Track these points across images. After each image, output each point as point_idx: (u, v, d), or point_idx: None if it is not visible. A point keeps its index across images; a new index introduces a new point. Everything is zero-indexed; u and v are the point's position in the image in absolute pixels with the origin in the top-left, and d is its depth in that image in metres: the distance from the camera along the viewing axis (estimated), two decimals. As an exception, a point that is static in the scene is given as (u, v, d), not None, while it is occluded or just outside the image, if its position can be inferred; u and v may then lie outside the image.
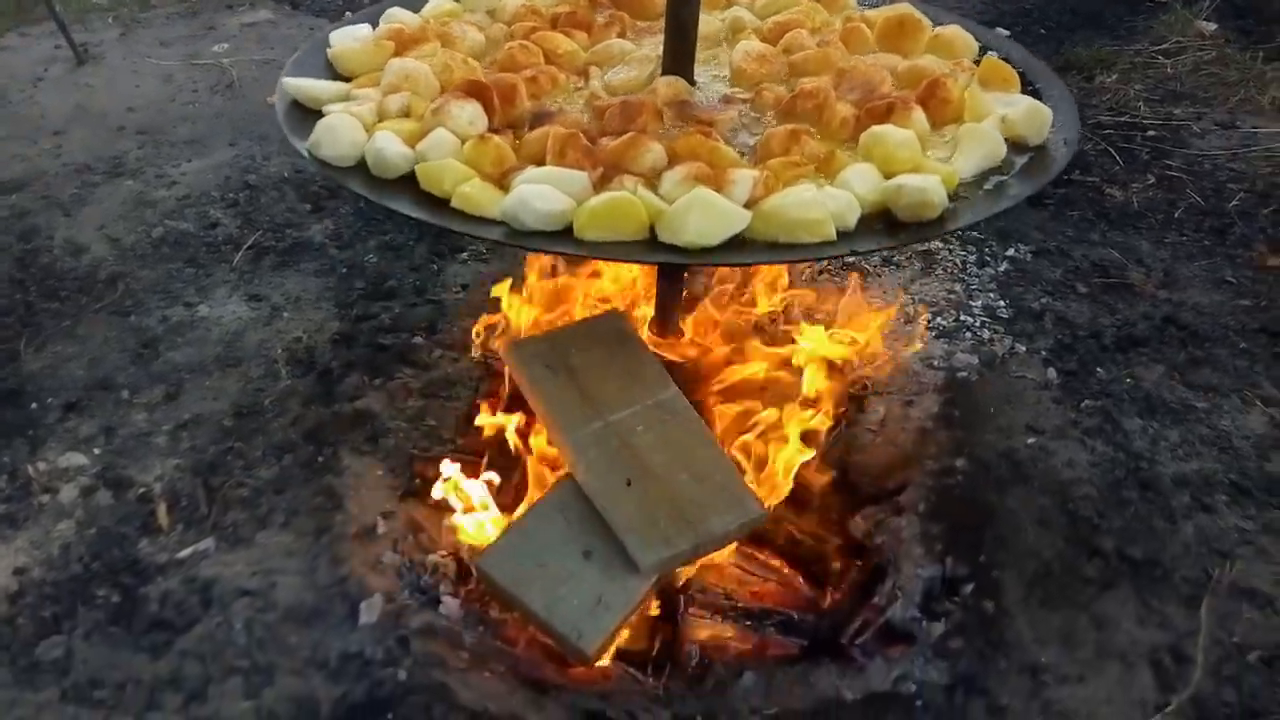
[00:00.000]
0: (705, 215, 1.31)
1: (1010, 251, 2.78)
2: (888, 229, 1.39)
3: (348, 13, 4.29)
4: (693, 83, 1.78)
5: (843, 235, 1.37)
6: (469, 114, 1.51)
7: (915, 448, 2.12)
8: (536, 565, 1.78)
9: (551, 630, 1.71)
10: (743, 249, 1.33)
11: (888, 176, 1.45)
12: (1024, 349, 2.37)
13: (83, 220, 2.94)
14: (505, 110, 1.63)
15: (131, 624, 1.82)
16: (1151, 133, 3.38)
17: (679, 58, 1.75)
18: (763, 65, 1.80)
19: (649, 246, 1.32)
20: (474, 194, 1.38)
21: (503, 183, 1.44)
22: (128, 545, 1.98)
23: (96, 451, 2.20)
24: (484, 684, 1.74)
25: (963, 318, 2.50)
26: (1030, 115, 1.58)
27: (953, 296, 2.59)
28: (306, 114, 1.62)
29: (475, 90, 1.58)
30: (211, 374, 2.39)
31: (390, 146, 1.45)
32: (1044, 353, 2.35)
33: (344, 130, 1.48)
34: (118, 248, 2.85)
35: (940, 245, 2.80)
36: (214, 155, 3.25)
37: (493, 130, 1.57)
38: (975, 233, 2.84)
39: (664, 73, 1.76)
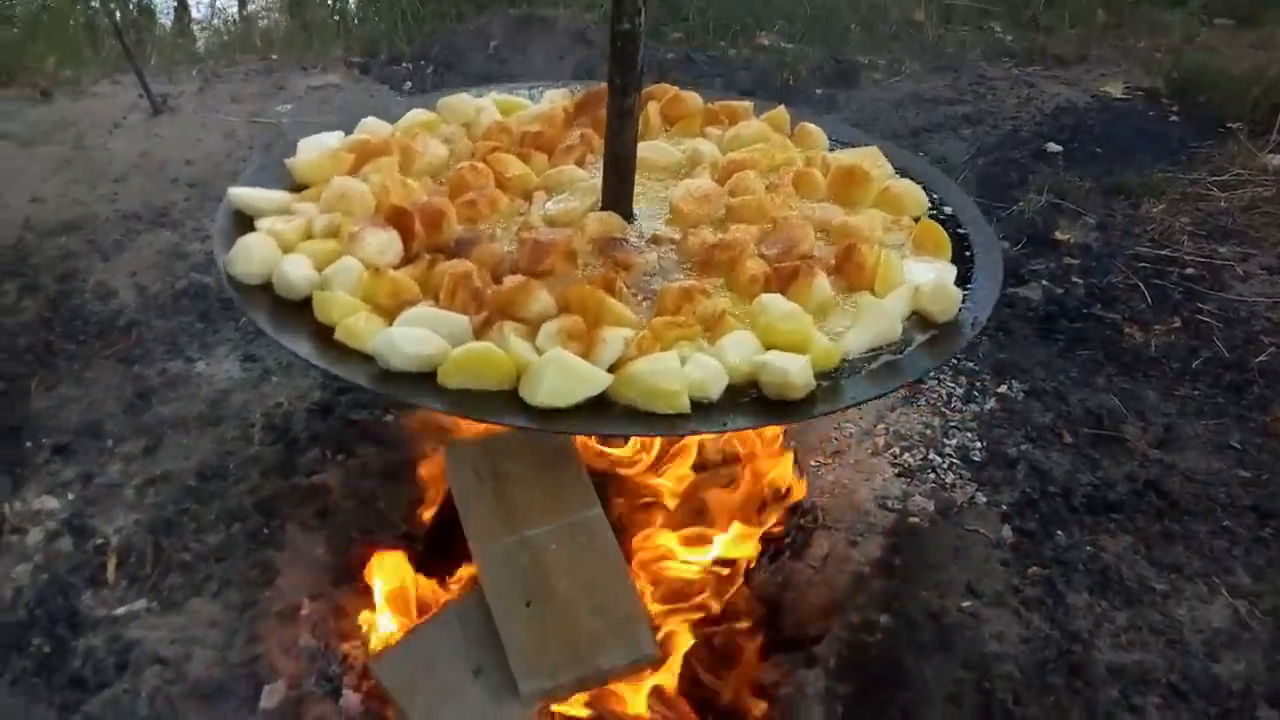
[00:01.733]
0: (561, 376, 1.32)
1: (1003, 388, 2.69)
2: (756, 404, 1.38)
3: (408, 82, 4.53)
4: (630, 218, 1.80)
5: (705, 407, 1.36)
6: (380, 242, 1.58)
7: (847, 593, 2.06)
8: (425, 675, 1.80)
9: (425, 748, 1.73)
10: (599, 414, 1.34)
11: (768, 348, 1.44)
12: (985, 500, 2.28)
13: (118, 266, 3.15)
14: (431, 235, 1.69)
15: (52, 678, 1.92)
16: (1190, 270, 3.23)
17: (616, 194, 1.78)
18: (702, 206, 1.82)
19: (505, 403, 1.34)
20: (356, 327, 1.43)
21: (395, 318, 1.49)
22: (72, 595, 2.10)
23: (70, 497, 2.34)
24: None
25: (931, 456, 2.43)
26: (938, 293, 1.55)
27: (928, 432, 2.52)
28: (246, 224, 1.71)
29: (395, 217, 1.65)
30: (190, 431, 2.51)
31: (295, 270, 1.52)
32: (1005, 506, 2.26)
33: (257, 249, 1.56)
34: (142, 295, 3.03)
35: (932, 373, 2.74)
36: (253, 212, 3.44)
37: (410, 258, 1.63)
38: (970, 362, 2.76)
39: (602, 207, 1.79)
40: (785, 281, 1.57)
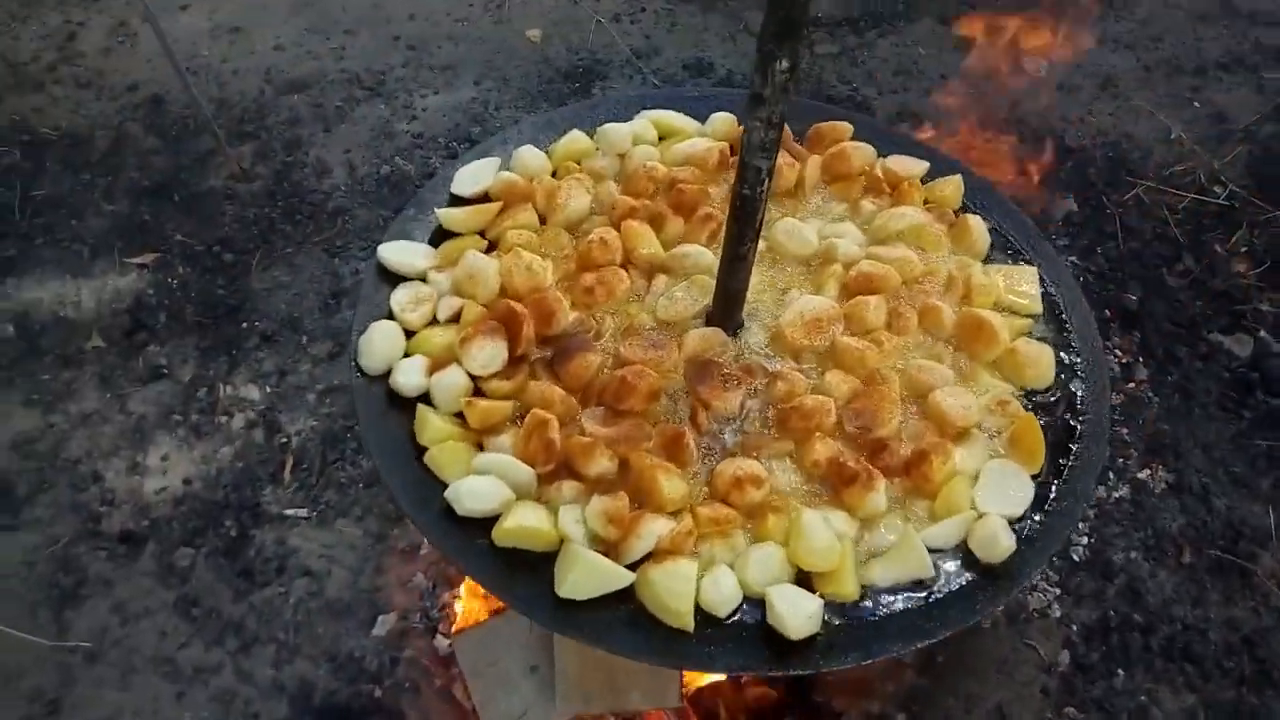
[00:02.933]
0: (584, 574, 1.49)
1: (1145, 473, 2.55)
2: (755, 637, 1.49)
3: None
4: (737, 328, 1.83)
5: (713, 622, 1.49)
6: (486, 356, 1.72)
7: (880, 678, 2.21)
8: (490, 661, 2.17)
9: (477, 722, 2.13)
10: (612, 606, 1.50)
11: (796, 566, 1.52)
12: (1059, 614, 2.28)
13: (336, 139, 3.43)
14: (541, 330, 1.81)
15: (234, 561, 2.47)
16: None
17: (724, 313, 1.81)
18: (809, 334, 1.81)
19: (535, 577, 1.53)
20: (440, 458, 1.64)
21: (482, 442, 1.68)
22: (257, 487, 2.60)
23: (268, 389, 2.81)
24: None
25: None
26: (988, 541, 1.53)
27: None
28: (392, 281, 1.89)
29: (507, 316, 1.77)
30: (367, 346, 2.87)
31: (408, 378, 1.72)
32: (1076, 627, 2.26)
33: (380, 343, 1.76)
34: (352, 177, 3.33)
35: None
36: (457, 91, 3.57)
37: (515, 358, 1.78)
38: (1124, 428, 2.61)
39: (709, 321, 1.83)
40: (843, 482, 1.60)
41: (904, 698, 2.15)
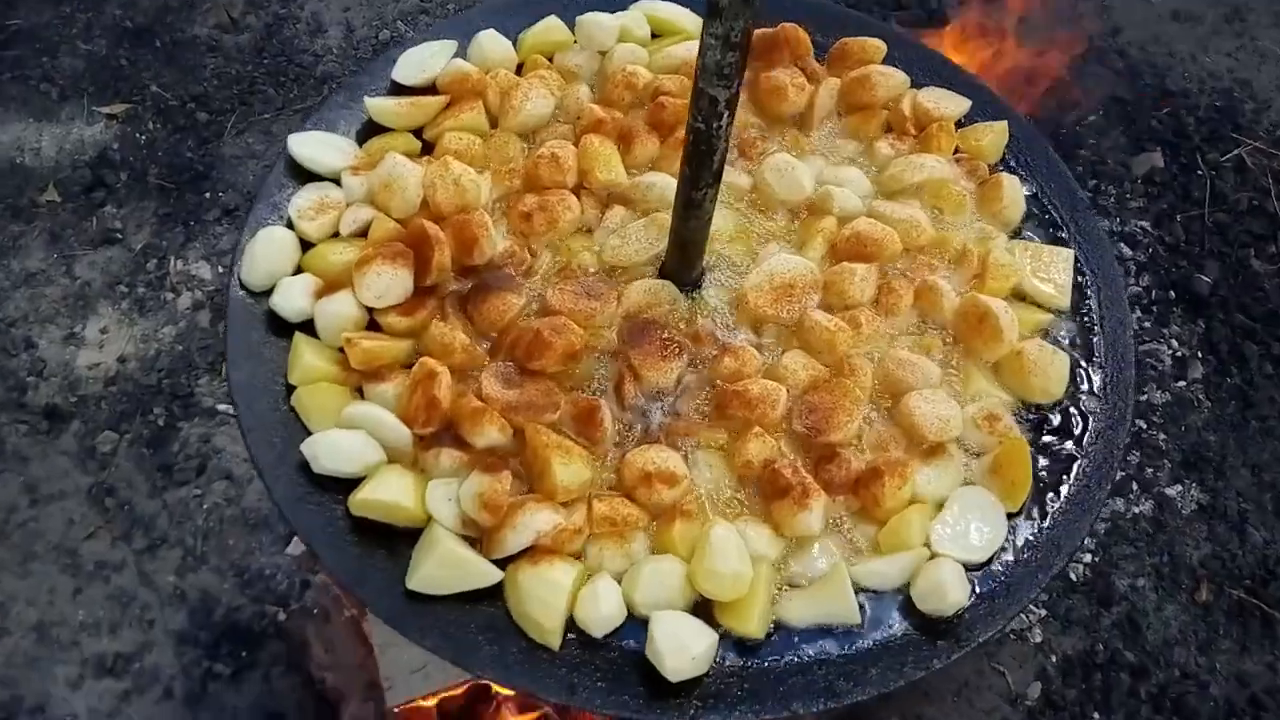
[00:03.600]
0: (441, 567, 1.25)
1: (1176, 488, 2.21)
2: (630, 674, 1.24)
3: None
4: (694, 284, 1.53)
5: (584, 644, 1.25)
6: (384, 284, 1.45)
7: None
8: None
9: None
10: (465, 611, 1.26)
11: (696, 588, 1.26)
12: (1040, 638, 2.01)
13: (333, -1, 3.10)
14: (461, 258, 1.53)
15: (157, 454, 2.30)
16: None
17: (679, 267, 1.51)
18: (776, 303, 1.49)
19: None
20: (308, 401, 1.39)
21: (362, 388, 1.43)
22: (194, 376, 2.42)
23: (219, 270, 2.59)
24: (338, 658, 2.07)
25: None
26: (931, 592, 1.25)
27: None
28: (305, 178, 1.62)
29: (417, 241, 1.49)
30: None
31: (289, 299, 1.46)
32: (1056, 659, 1.99)
33: (266, 253, 1.49)
34: (348, 40, 3.01)
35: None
36: (478, -47, 3.18)
37: (422, 288, 1.50)
38: (1160, 432, 2.27)
39: (662, 272, 1.53)
40: (774, 493, 1.32)
41: (844, 714, 1.91)
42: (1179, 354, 2.36)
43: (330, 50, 2.98)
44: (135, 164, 2.75)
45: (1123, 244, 2.56)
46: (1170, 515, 2.15)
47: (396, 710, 1.89)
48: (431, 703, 1.93)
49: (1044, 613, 2.02)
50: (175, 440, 2.31)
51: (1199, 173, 2.71)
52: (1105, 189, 2.68)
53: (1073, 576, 2.07)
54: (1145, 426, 2.24)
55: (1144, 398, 2.27)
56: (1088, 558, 2.10)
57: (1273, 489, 2.19)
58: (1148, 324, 2.39)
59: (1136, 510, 2.15)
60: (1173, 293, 2.48)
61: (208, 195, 2.71)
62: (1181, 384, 2.32)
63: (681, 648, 1.19)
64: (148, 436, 2.32)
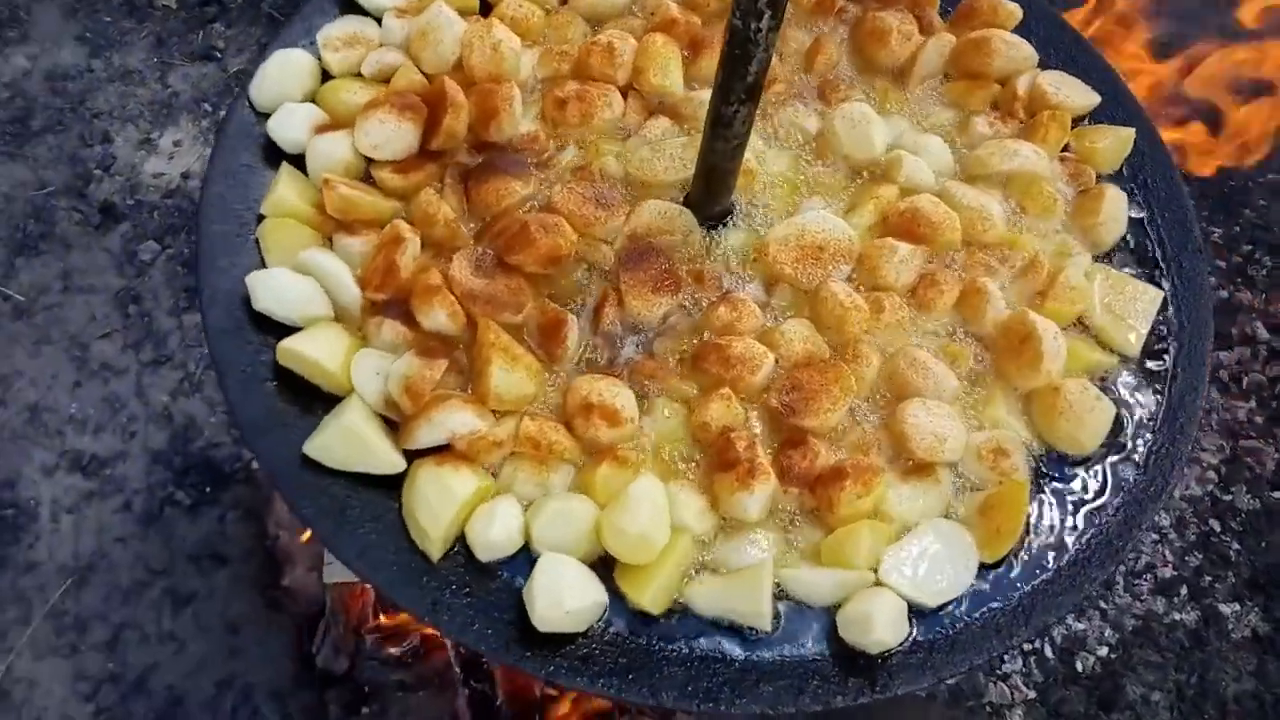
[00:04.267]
0: (340, 438, 1.15)
1: (1227, 606, 1.93)
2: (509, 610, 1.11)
3: None
4: (715, 223, 1.37)
5: (471, 566, 1.13)
6: (384, 135, 1.34)
7: None
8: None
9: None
10: (357, 494, 1.16)
11: (604, 545, 1.12)
12: (1019, 715, 1.79)
13: None
14: (479, 130, 1.41)
15: (189, 274, 2.29)
16: None
17: (703, 195, 1.34)
18: (799, 263, 1.32)
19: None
20: (271, 234, 1.31)
21: (330, 238, 1.33)
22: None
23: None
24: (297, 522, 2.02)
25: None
26: (855, 623, 1.07)
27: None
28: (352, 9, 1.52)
29: (434, 100, 1.38)
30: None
31: (285, 126, 1.37)
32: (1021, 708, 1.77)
33: (280, 74, 1.41)
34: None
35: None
36: None
37: (429, 154, 1.39)
38: (1200, 489, 1.98)
39: (686, 200, 1.37)
40: (721, 464, 1.16)
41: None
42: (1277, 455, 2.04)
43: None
44: (255, -12, 2.73)
45: (1259, 323, 2.23)
46: (1216, 635, 1.86)
47: (333, 585, 1.83)
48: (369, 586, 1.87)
49: (1032, 694, 1.79)
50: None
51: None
52: (1260, 259, 2.34)
53: (1079, 667, 1.83)
54: (1219, 529, 1.95)
55: (1227, 499, 1.97)
56: (1103, 651, 1.84)
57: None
58: (1259, 419, 2.08)
59: (1178, 616, 1.87)
60: (1290, 379, 2.14)
61: (313, 37, 2.66)
62: (1278, 495, 2.01)
63: (558, 597, 1.06)
64: (185, 256, 2.31)
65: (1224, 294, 2.28)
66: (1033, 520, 1.17)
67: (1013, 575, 1.14)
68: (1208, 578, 1.90)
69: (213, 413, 2.09)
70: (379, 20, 1.51)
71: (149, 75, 2.56)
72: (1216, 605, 1.87)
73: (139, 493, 1.97)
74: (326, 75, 1.47)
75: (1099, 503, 1.19)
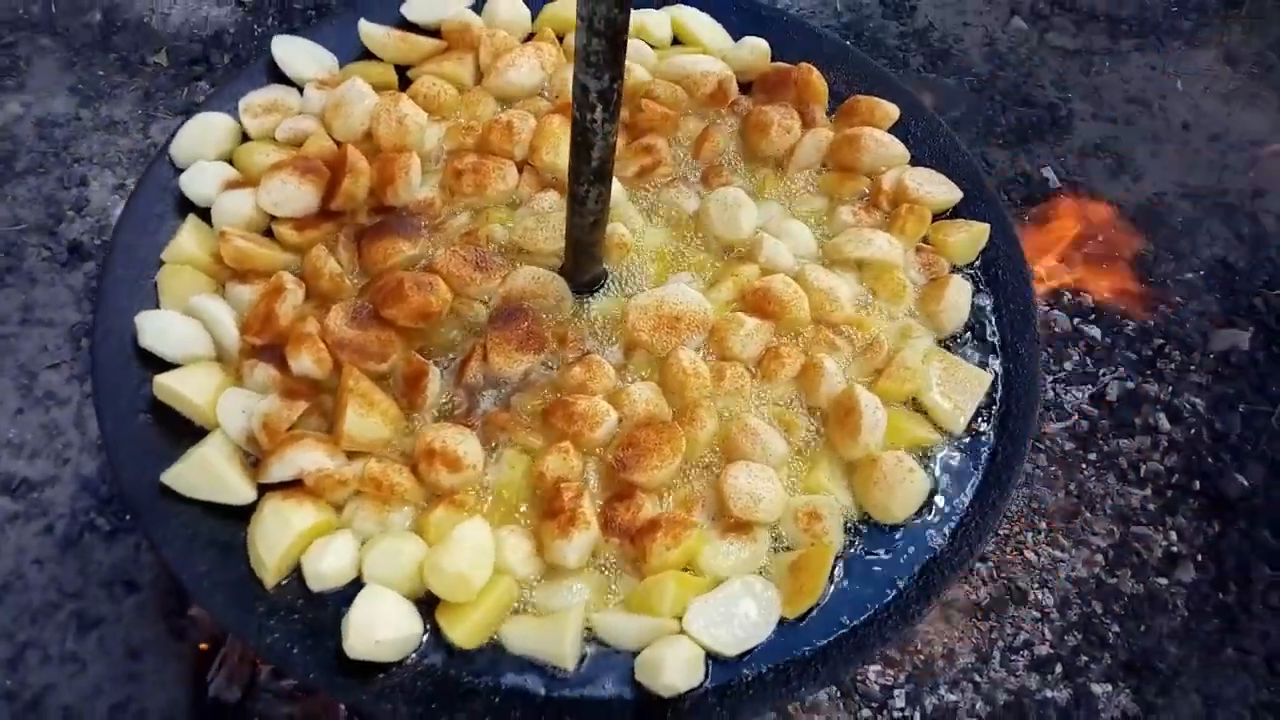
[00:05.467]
0: (195, 468, 1.24)
1: (1099, 686, 1.96)
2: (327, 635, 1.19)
3: None
4: (587, 290, 1.48)
5: (303, 595, 1.22)
6: (285, 194, 1.46)
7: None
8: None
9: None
10: (208, 522, 1.25)
11: (426, 584, 1.20)
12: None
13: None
14: (378, 194, 1.53)
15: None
16: None
17: (573, 265, 1.45)
18: (655, 331, 1.41)
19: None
20: (168, 279, 1.42)
21: (224, 286, 1.44)
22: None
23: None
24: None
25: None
26: (655, 663, 1.14)
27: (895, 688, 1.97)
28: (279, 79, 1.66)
29: (334, 164, 1.51)
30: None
31: (197, 181, 1.50)
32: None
33: (199, 135, 1.55)
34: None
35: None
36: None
37: (328, 214, 1.51)
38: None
39: (561, 269, 1.48)
40: (549, 511, 1.24)
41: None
42: (1174, 549, 2.09)
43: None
44: (242, 51, 2.91)
45: (1162, 414, 2.30)
46: (1086, 713, 1.90)
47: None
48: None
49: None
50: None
51: (1289, 367, 2.40)
52: (1170, 352, 2.42)
53: (947, 734, 1.87)
54: (1101, 612, 2.00)
55: (1112, 582, 2.02)
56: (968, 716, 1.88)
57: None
58: (1152, 507, 2.14)
59: (1050, 694, 1.91)
60: (1198, 483, 2.21)
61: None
62: (1163, 581, 2.06)
63: (371, 627, 1.14)
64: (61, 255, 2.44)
65: (1130, 385, 2.36)
66: (836, 581, 1.23)
67: (809, 631, 1.20)
68: (1084, 657, 1.95)
69: (146, 445, 2.19)
70: (301, 90, 1.65)
71: (132, 126, 2.73)
72: (1089, 685, 1.91)
73: (63, 517, 2.07)
74: (246, 138, 1.60)
75: (900, 569, 1.26)
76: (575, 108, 1.18)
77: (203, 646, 1.93)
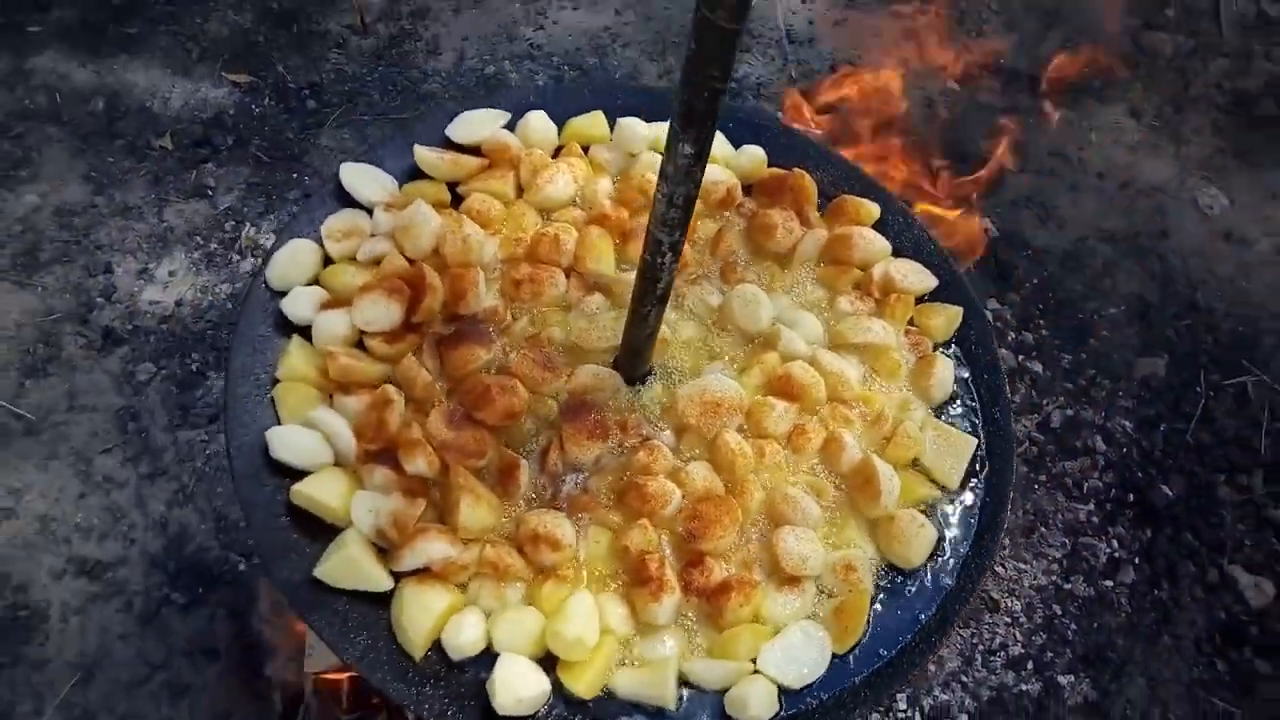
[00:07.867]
0: (342, 565, 1.47)
1: (1064, 677, 2.32)
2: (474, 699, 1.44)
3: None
4: (638, 382, 1.75)
5: (445, 663, 1.46)
6: (376, 312, 1.69)
7: None
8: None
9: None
10: (358, 608, 1.49)
11: (548, 647, 1.46)
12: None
13: (460, 24, 3.42)
14: (452, 306, 1.77)
15: (183, 394, 2.60)
16: None
17: (628, 362, 1.72)
18: (702, 416, 1.69)
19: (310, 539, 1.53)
20: (285, 395, 1.65)
21: (331, 397, 1.67)
22: (220, 341, 2.71)
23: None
24: (279, 617, 2.31)
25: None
26: (741, 699, 1.43)
27: None
28: (347, 202, 1.89)
29: (414, 282, 1.74)
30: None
31: (297, 304, 1.72)
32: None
33: (291, 261, 1.76)
34: (457, 68, 3.33)
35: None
36: (596, 15, 3.47)
37: (411, 326, 1.75)
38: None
39: (615, 362, 1.74)
40: (638, 580, 1.52)
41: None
42: (1116, 555, 2.46)
43: (439, 72, 3.30)
44: (243, 131, 3.09)
45: (1098, 436, 2.67)
46: (1055, 702, 2.25)
47: (313, 675, 2.12)
48: (344, 676, 2.16)
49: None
50: (201, 386, 2.61)
51: (1197, 389, 2.81)
52: (1100, 381, 2.80)
53: (932, 726, 2.20)
54: (1060, 613, 2.35)
55: (1067, 586, 2.38)
56: (964, 718, 2.22)
57: (1162, 705, 2.27)
58: (1095, 519, 2.50)
59: (1024, 687, 2.26)
60: (1131, 495, 2.58)
61: (295, 175, 3.03)
62: (1108, 583, 2.42)
63: (513, 687, 1.39)
64: (179, 376, 2.62)
65: (1069, 412, 2.73)
66: (872, 620, 1.54)
67: (856, 663, 1.50)
68: (1049, 654, 2.30)
69: (204, 520, 2.38)
70: (370, 211, 1.88)
71: (147, 211, 2.90)
72: (1056, 677, 2.26)
73: (138, 594, 2.25)
74: (328, 260, 1.82)
75: (922, 605, 1.57)
76: (648, 252, 1.45)
77: (282, 706, 2.14)
